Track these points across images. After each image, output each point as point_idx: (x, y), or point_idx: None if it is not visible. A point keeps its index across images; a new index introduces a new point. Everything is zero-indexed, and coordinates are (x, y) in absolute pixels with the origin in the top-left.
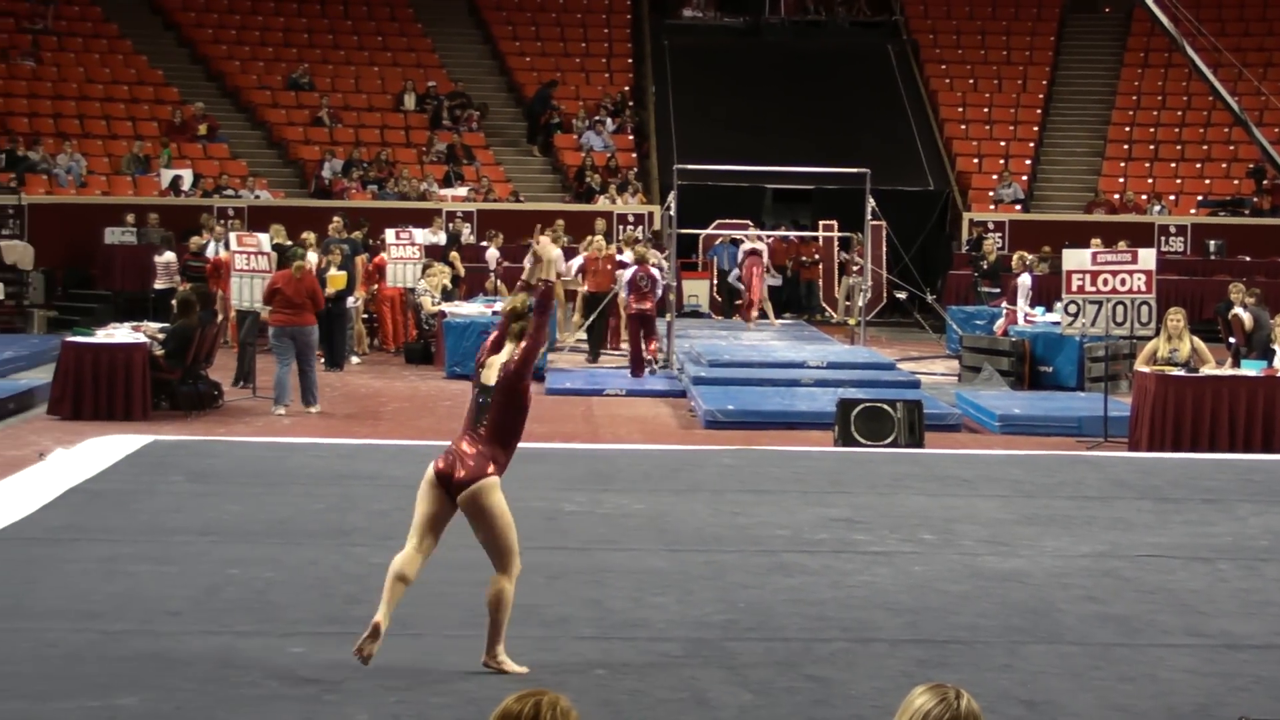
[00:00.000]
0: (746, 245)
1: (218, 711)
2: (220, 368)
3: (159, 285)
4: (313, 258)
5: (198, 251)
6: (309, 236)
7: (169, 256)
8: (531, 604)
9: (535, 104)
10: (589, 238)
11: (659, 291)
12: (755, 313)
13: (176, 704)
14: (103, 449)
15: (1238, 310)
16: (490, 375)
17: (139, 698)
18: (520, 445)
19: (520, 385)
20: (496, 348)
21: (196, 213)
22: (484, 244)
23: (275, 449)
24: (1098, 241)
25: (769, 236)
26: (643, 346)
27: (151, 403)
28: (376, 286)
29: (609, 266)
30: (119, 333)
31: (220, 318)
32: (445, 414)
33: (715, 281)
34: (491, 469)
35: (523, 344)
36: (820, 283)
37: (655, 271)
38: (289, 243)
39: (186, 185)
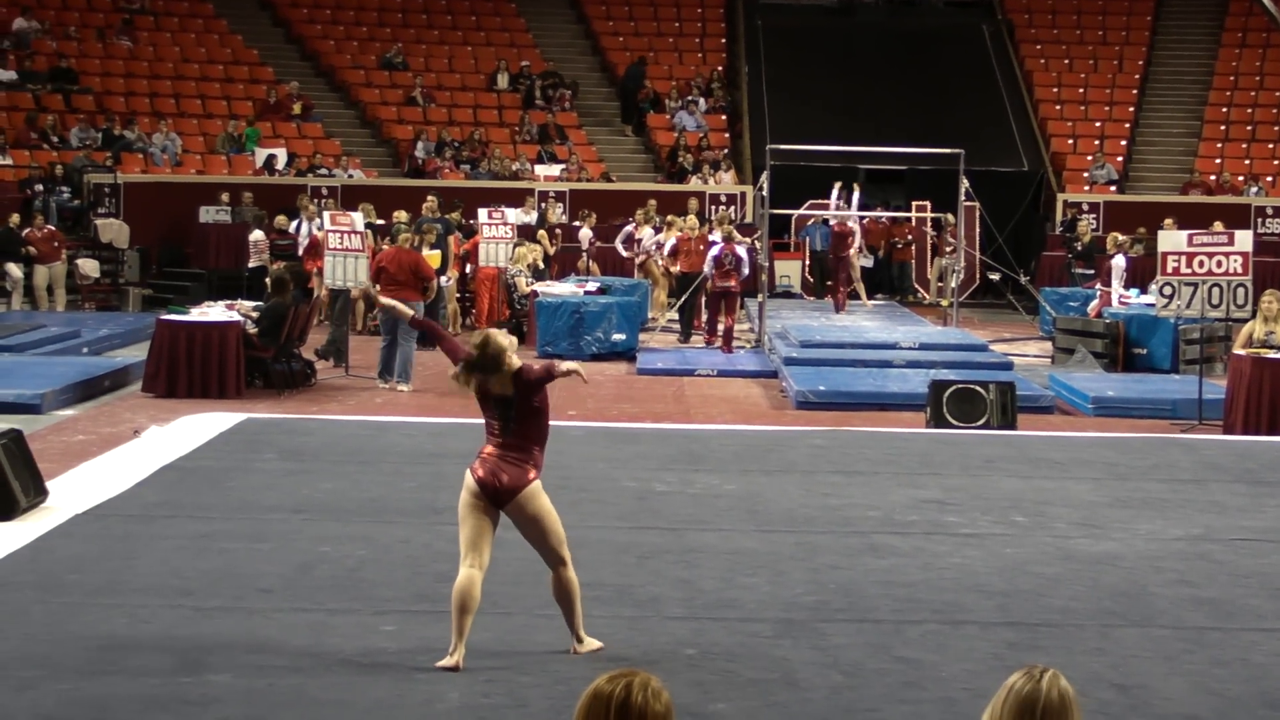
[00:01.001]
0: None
1: (309, 689)
2: (315, 345)
3: (252, 264)
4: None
5: (282, 230)
6: (401, 215)
7: (257, 235)
8: (623, 584)
9: (627, 82)
10: (671, 217)
11: (744, 270)
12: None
13: (268, 681)
14: (196, 427)
15: None
16: (504, 386)
17: (231, 675)
18: (611, 425)
19: (539, 395)
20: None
21: (290, 192)
22: (576, 224)
23: (367, 427)
24: (1169, 222)
25: (863, 218)
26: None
27: (245, 381)
28: (472, 266)
29: (701, 247)
30: (213, 311)
31: (315, 295)
32: None
33: (807, 262)
34: (533, 474)
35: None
36: (913, 264)
37: (741, 250)
38: (380, 221)
39: (280, 165)
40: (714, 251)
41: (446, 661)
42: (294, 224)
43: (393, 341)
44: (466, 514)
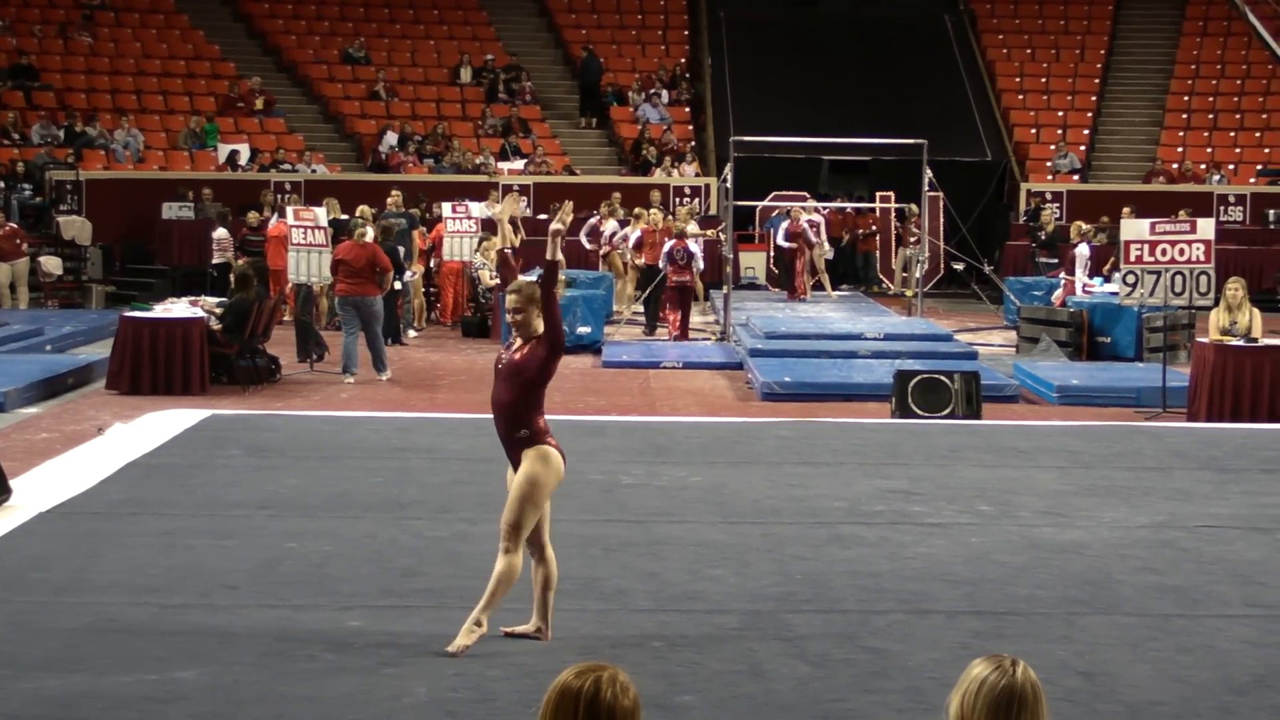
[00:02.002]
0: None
1: (276, 685)
2: (278, 342)
3: (215, 260)
4: (370, 232)
5: (256, 226)
6: (365, 210)
7: (221, 232)
8: (590, 576)
9: (586, 74)
10: (638, 210)
11: (699, 264)
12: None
13: (234, 677)
14: (161, 423)
15: None
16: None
17: (197, 671)
18: (578, 418)
19: (538, 379)
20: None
21: (253, 187)
22: (543, 216)
23: (332, 423)
24: (1128, 210)
25: (825, 208)
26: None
27: (209, 377)
28: (437, 260)
29: (666, 239)
30: (176, 307)
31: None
32: None
33: (771, 254)
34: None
35: (536, 345)
36: (878, 254)
37: (692, 245)
38: (344, 216)
39: (243, 160)
40: (666, 248)
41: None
42: (273, 218)
43: (356, 335)
44: (547, 497)
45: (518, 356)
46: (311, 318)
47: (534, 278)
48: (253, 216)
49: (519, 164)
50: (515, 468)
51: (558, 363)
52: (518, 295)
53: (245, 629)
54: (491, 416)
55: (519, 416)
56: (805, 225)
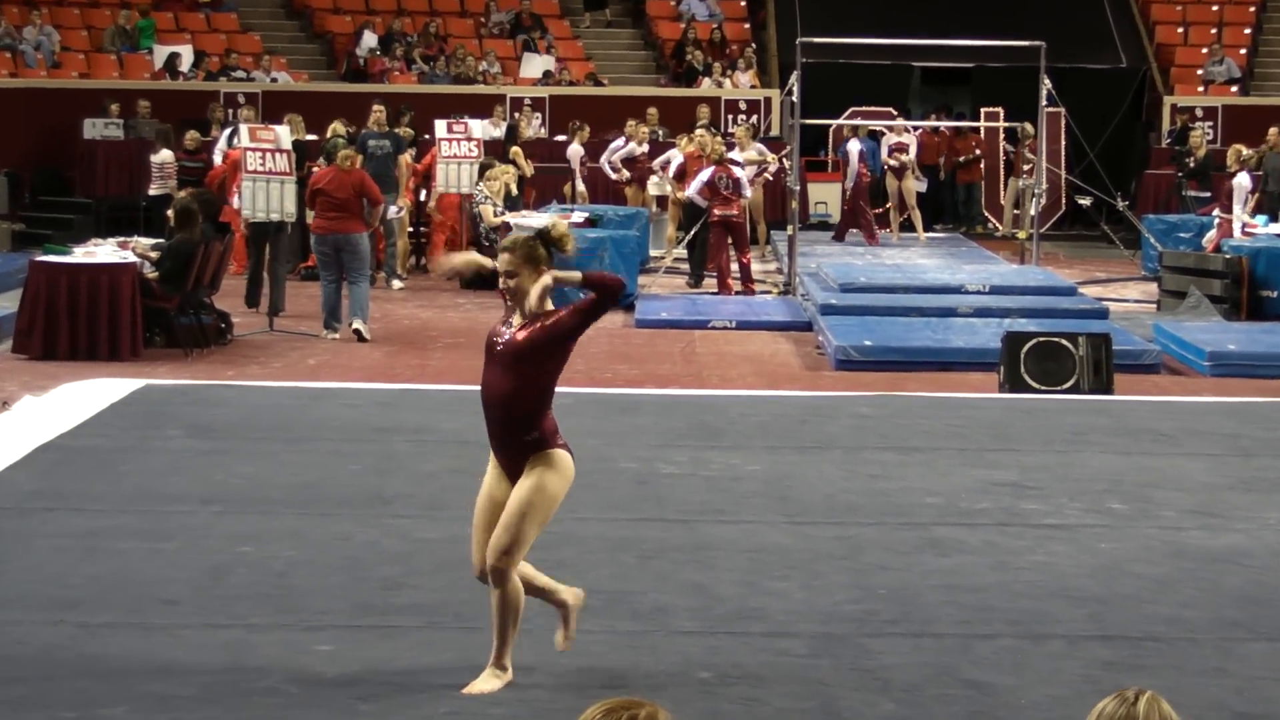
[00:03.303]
0: (890, 139)
1: None
2: (229, 294)
3: (153, 191)
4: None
5: (195, 149)
6: (338, 128)
7: (165, 155)
8: (620, 590)
9: None
10: (683, 136)
11: (746, 193)
12: (898, 226)
13: (173, 715)
14: (81, 396)
15: None
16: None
17: (126, 708)
18: (605, 391)
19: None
20: None
21: (198, 99)
22: (562, 138)
23: (298, 395)
24: (1274, 131)
25: (917, 128)
26: (730, 260)
27: (143, 338)
28: (426, 192)
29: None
30: (101, 250)
31: (233, 233)
32: None
33: (849, 185)
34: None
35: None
36: (982, 186)
37: (738, 172)
38: (312, 137)
39: (185, 66)
40: (703, 175)
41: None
42: (225, 136)
43: (337, 282)
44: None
45: (521, 336)
46: (287, 265)
47: (540, 224)
48: (191, 137)
49: (535, 70)
50: (510, 474)
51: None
52: (511, 254)
53: (187, 656)
54: (485, 404)
55: (525, 415)
56: (908, 139)
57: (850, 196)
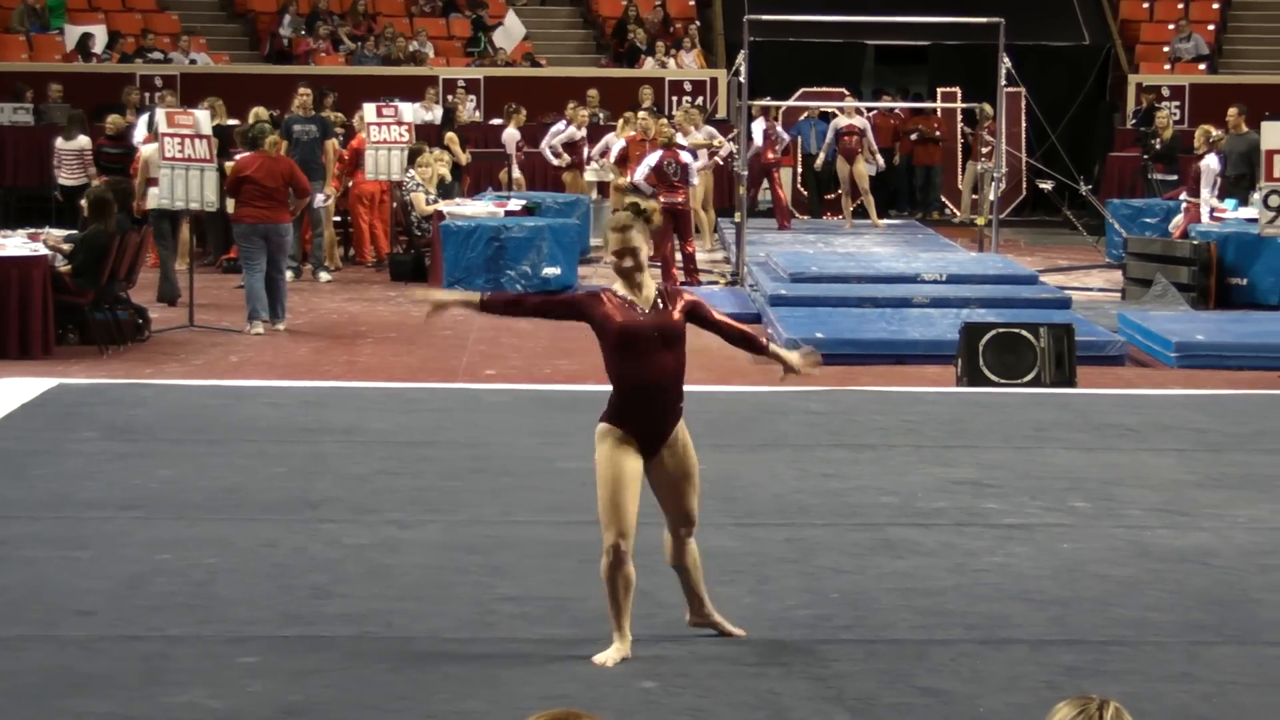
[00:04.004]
0: (841, 122)
1: None
2: (146, 288)
3: (65, 180)
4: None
5: (116, 135)
6: (260, 112)
7: (82, 141)
8: (559, 597)
9: None
10: (628, 114)
11: (693, 180)
12: (852, 211)
13: None
14: None
15: None
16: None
17: None
18: (544, 387)
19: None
20: None
21: (113, 83)
22: (497, 122)
23: (220, 394)
24: (1234, 111)
25: (871, 110)
26: (676, 250)
27: (55, 335)
28: (351, 180)
29: (654, 151)
30: (11, 243)
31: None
32: (443, 346)
33: (800, 170)
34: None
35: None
36: (940, 170)
37: (686, 156)
38: (233, 122)
39: (99, 47)
40: (650, 159)
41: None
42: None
43: (262, 272)
44: None
45: (676, 316)
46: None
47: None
48: (111, 122)
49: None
50: (651, 446)
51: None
52: (624, 233)
53: (104, 669)
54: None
55: (681, 387)
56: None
57: (748, 179)
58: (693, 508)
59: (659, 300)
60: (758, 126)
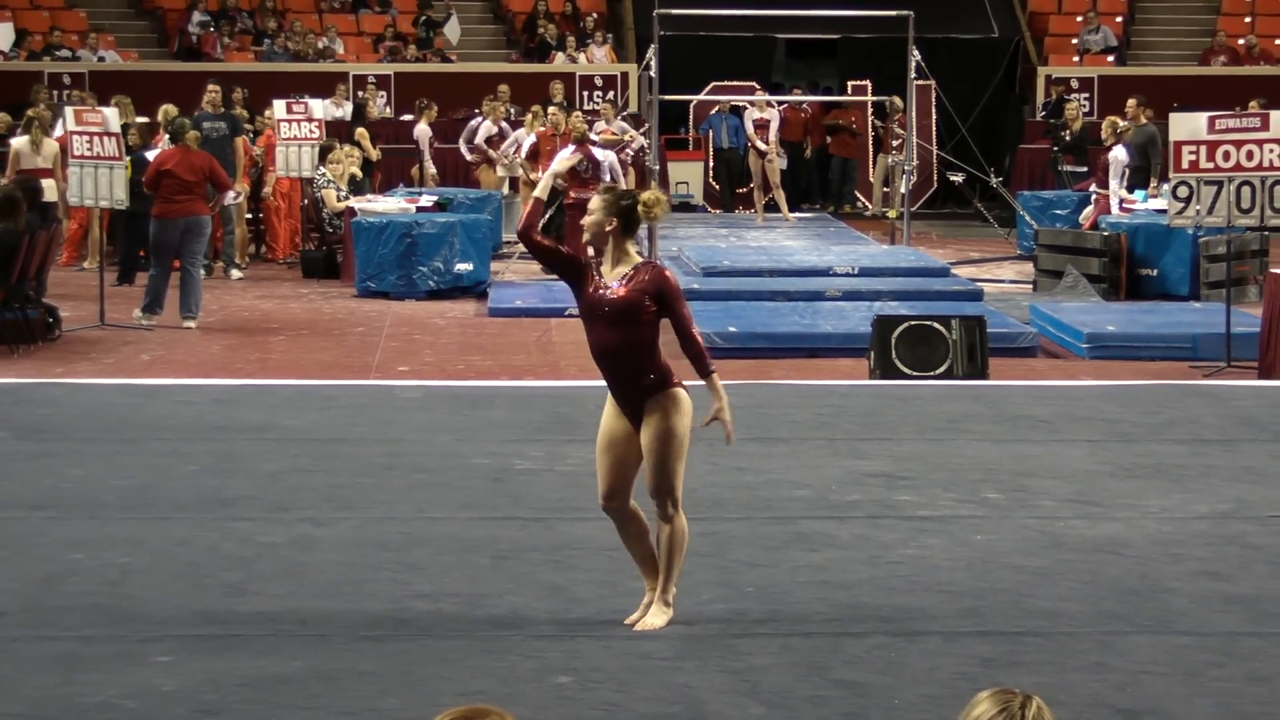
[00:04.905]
0: (754, 114)
1: None
2: (57, 286)
3: None
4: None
5: (5, 133)
6: (169, 110)
7: None
8: (474, 593)
9: None
10: (536, 108)
11: (605, 176)
12: (764, 205)
13: None
14: None
15: None
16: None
17: None
18: (457, 384)
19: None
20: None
21: (21, 81)
22: (408, 117)
23: (131, 393)
24: (1133, 103)
25: (782, 103)
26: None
27: None
28: (264, 177)
29: (566, 146)
30: None
31: (60, 222)
32: (356, 343)
33: (711, 164)
34: None
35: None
36: (854, 163)
37: (598, 153)
38: (142, 119)
39: (7, 45)
40: (562, 154)
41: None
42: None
43: (169, 269)
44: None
45: (621, 292)
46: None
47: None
48: (2, 120)
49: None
50: (632, 415)
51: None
52: (592, 213)
53: (16, 671)
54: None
55: (642, 362)
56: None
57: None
58: (662, 483)
59: (624, 276)
60: (748, 117)
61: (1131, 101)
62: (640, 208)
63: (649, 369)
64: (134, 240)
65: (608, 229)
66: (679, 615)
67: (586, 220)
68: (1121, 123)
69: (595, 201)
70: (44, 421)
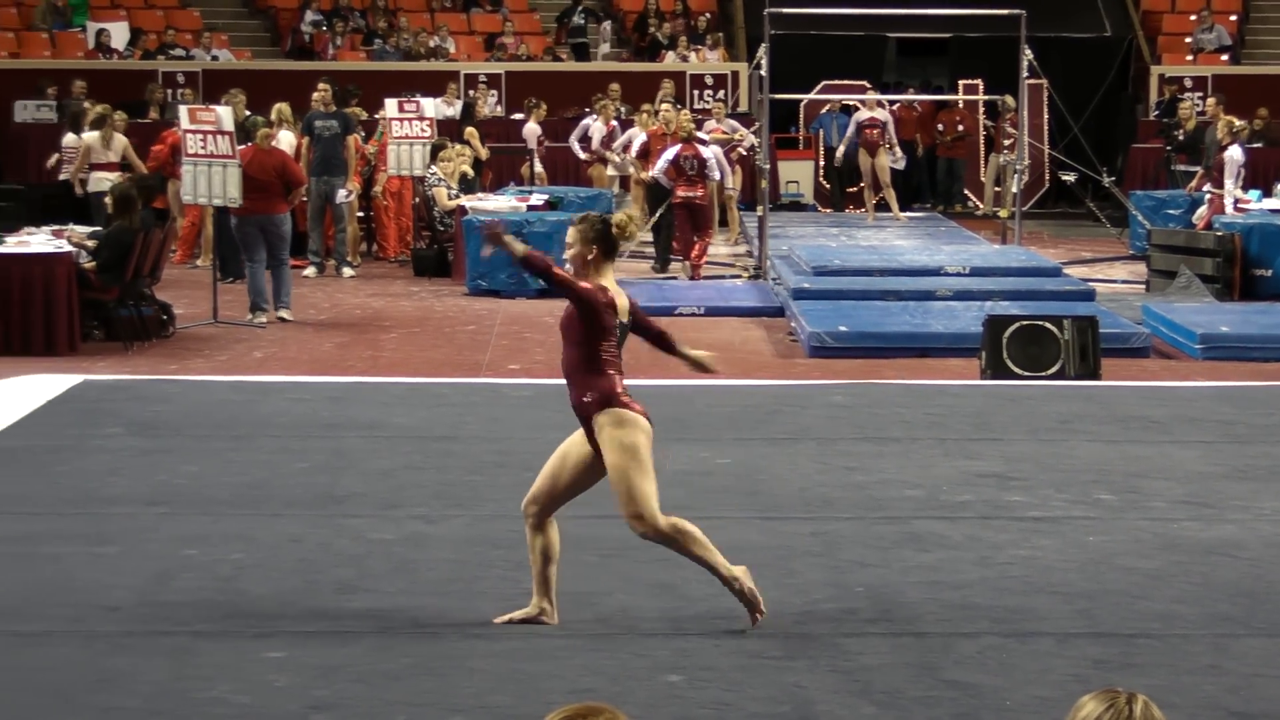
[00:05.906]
0: (862, 115)
1: None
2: (170, 283)
3: (62, 176)
4: (288, 138)
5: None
6: (283, 109)
7: (69, 138)
8: (581, 591)
9: None
10: (647, 106)
11: (715, 175)
12: (875, 204)
13: None
14: (15, 393)
15: None
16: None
17: None
18: (565, 382)
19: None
20: None
21: (135, 80)
22: (518, 116)
23: (243, 390)
24: (1212, 101)
25: (893, 103)
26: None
27: (80, 332)
28: (375, 176)
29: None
30: (35, 240)
31: (173, 220)
32: (467, 341)
33: (822, 163)
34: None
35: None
36: (963, 163)
37: (706, 151)
38: (248, 113)
39: (121, 44)
40: (668, 154)
41: None
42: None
43: (262, 264)
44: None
45: (567, 310)
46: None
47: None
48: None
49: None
50: (591, 443)
51: (604, 315)
52: (574, 227)
53: (130, 665)
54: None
55: (580, 379)
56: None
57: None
58: (627, 503)
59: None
60: (855, 117)
61: (1211, 100)
62: (614, 230)
63: (583, 388)
64: (225, 237)
65: (589, 258)
66: (789, 612)
67: (567, 254)
68: (1237, 122)
69: (571, 234)
70: (157, 418)
